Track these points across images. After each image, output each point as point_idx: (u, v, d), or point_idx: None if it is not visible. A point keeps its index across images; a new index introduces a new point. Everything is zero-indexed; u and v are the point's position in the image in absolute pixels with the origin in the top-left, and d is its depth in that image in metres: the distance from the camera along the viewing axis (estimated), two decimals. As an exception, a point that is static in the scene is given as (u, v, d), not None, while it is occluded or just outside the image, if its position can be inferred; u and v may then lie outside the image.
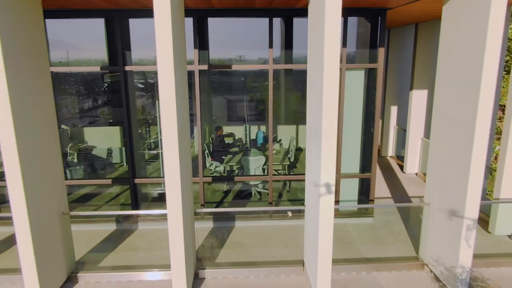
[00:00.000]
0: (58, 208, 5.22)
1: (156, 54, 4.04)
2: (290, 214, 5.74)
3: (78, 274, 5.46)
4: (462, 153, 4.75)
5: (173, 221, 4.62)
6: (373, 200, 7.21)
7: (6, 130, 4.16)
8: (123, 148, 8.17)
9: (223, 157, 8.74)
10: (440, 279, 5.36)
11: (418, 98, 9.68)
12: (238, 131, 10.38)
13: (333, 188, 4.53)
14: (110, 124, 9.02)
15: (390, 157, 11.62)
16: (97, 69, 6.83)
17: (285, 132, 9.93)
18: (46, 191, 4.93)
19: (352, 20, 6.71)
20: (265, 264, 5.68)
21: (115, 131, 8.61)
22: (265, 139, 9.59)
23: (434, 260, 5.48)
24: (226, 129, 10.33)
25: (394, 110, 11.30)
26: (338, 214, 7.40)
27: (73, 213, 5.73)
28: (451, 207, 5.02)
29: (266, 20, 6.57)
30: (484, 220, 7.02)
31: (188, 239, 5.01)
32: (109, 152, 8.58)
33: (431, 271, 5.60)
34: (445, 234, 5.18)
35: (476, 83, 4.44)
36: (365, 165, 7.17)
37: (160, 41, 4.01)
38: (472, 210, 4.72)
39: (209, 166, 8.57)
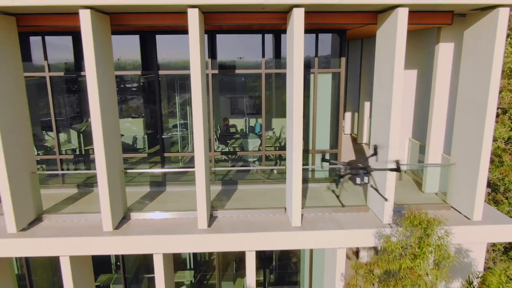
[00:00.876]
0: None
1: (190, 62, 6.58)
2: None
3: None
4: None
5: (199, 181, 7.15)
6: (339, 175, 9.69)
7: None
8: (145, 137, 10.55)
9: (227, 141, 11.25)
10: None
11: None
12: (239, 122, 12.87)
13: (299, 156, 7.07)
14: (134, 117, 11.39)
15: (365, 143, 14.12)
16: (137, 73, 9.37)
17: (277, 123, 12.42)
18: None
19: (322, 36, 9.22)
20: (258, 208, 8.20)
21: (139, 122, 11.00)
22: (261, 127, 12.07)
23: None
24: (231, 121, 12.80)
25: (367, 105, 13.82)
26: (315, 180, 9.91)
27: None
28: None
29: (260, 36, 9.10)
30: (419, 182, 9.55)
31: (207, 193, 7.54)
32: (134, 139, 10.97)
33: (375, 215, 8.11)
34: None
35: (389, 83, 6.98)
36: (333, 143, 9.70)
37: (192, 53, 6.55)
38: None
39: (217, 148, 11.08)
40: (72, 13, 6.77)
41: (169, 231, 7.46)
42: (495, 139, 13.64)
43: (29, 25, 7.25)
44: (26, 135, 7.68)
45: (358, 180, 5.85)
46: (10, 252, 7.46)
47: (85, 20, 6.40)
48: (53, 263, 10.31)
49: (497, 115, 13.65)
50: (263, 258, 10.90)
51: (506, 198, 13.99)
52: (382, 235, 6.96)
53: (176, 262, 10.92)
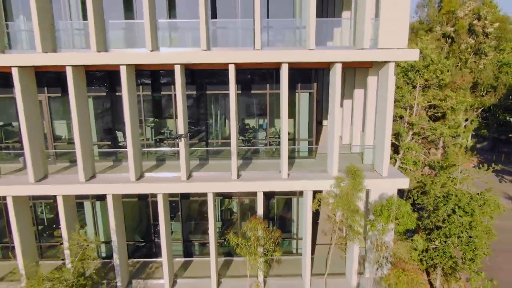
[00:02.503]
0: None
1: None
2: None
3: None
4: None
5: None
6: (315, 151, 15.98)
7: None
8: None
9: (245, 134, 17.55)
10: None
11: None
12: (253, 121, 19.18)
13: (286, 142, 13.40)
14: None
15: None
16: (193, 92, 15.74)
17: (277, 122, 18.72)
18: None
19: (301, 71, 15.46)
20: (265, 170, 14.52)
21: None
22: (267, 125, 18.37)
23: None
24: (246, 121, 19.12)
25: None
26: (299, 157, 16.18)
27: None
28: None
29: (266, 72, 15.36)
30: (362, 158, 15.83)
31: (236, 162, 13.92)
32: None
33: (330, 173, 14.39)
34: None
35: (332, 102, 13.30)
36: (310, 134, 15.99)
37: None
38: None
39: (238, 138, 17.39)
40: None
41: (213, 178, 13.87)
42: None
43: None
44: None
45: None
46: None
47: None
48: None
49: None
50: (269, 217, 17.15)
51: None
52: (332, 182, 13.26)
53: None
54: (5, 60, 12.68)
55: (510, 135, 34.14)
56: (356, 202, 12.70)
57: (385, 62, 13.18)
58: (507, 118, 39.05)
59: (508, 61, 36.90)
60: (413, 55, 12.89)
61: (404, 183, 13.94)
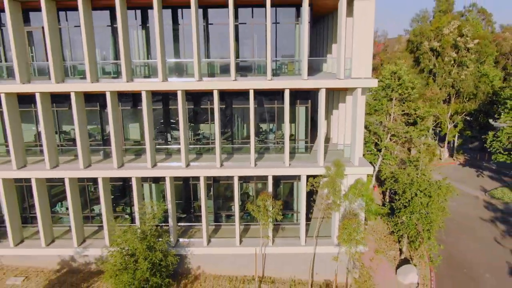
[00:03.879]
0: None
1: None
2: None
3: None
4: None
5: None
6: (310, 148, 22.25)
7: None
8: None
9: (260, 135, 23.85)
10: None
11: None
12: (264, 126, 25.49)
13: (287, 140, 19.76)
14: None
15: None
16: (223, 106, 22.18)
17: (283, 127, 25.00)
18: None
19: (299, 91, 21.70)
20: (274, 161, 20.86)
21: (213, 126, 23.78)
22: (275, 128, 24.66)
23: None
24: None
25: (325, 122, 26.25)
26: (298, 152, 22.42)
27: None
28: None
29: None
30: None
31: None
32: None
33: (321, 163, 20.68)
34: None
35: (321, 114, 19.61)
36: (306, 135, 22.25)
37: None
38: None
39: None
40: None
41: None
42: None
43: None
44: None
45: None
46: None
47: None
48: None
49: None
50: (277, 198, 23.39)
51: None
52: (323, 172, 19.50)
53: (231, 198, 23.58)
54: (99, 86, 19.34)
55: (483, 136, 39.71)
56: (339, 184, 18.93)
57: (355, 88, 19.37)
58: (489, 121, 44.52)
59: (486, 72, 42.52)
60: (373, 83, 19.07)
61: (369, 170, 20.11)
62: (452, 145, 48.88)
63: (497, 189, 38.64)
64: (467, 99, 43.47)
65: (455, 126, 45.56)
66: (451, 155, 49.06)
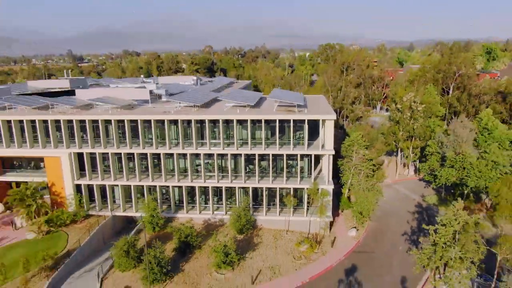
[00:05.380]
0: None
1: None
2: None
3: None
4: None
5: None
6: (310, 175, 51.63)
7: None
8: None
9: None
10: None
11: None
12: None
13: (299, 170, 49.56)
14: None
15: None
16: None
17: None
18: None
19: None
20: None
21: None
22: (295, 165, 54.00)
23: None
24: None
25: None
26: (304, 177, 51.77)
27: None
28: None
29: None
30: (323, 178, 51.40)
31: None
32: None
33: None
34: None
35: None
36: (309, 170, 51.68)
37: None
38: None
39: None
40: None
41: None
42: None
43: None
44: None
45: None
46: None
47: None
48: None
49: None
50: (294, 196, 52.63)
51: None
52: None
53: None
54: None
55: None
56: (316, 191, 48.20)
57: (326, 154, 48.55)
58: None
59: (429, 125, 69.69)
60: (332, 152, 48.13)
61: (331, 187, 49.23)
62: (415, 165, 75.96)
63: (430, 195, 65.50)
64: (419, 139, 70.57)
65: (416, 154, 72.54)
66: (415, 172, 75.94)
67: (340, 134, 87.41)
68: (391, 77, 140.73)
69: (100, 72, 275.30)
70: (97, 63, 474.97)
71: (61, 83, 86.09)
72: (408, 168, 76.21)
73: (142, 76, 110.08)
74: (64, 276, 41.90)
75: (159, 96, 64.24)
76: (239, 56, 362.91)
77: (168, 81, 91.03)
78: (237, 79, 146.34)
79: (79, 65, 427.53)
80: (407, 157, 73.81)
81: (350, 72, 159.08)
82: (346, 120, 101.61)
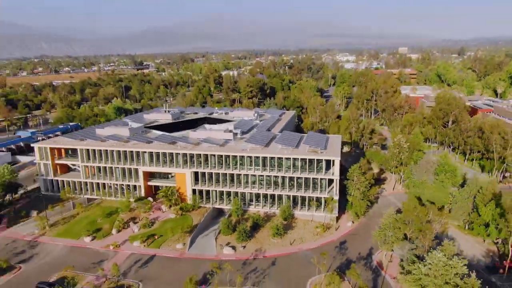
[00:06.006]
0: None
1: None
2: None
3: None
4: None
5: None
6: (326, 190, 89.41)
7: None
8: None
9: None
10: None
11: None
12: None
13: (318, 186, 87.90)
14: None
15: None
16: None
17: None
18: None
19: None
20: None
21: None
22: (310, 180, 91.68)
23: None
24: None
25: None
26: (321, 190, 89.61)
27: None
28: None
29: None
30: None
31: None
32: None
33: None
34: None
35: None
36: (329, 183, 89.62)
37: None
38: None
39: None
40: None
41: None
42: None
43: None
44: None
45: None
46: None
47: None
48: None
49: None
50: (316, 201, 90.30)
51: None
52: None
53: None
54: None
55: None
56: (331, 200, 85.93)
57: (334, 178, 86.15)
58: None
59: (413, 157, 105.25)
60: (338, 177, 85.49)
61: (337, 197, 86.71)
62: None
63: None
64: (405, 165, 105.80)
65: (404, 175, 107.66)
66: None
67: (358, 154, 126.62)
68: (409, 105, 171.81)
69: (166, 84, 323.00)
70: (157, 70, 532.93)
71: (165, 116, 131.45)
72: (401, 183, 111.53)
73: (216, 108, 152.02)
74: (195, 236, 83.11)
75: (235, 134, 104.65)
76: (286, 67, 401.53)
77: (235, 115, 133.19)
78: (284, 106, 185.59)
79: (142, 71, 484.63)
80: (401, 177, 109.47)
81: (378, 98, 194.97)
82: (365, 144, 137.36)
